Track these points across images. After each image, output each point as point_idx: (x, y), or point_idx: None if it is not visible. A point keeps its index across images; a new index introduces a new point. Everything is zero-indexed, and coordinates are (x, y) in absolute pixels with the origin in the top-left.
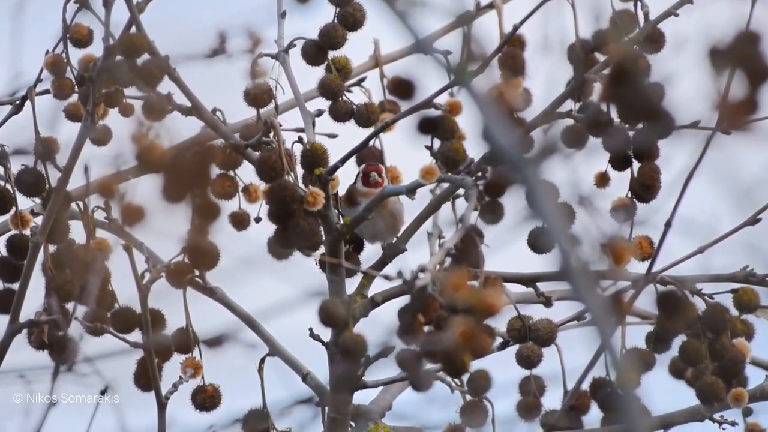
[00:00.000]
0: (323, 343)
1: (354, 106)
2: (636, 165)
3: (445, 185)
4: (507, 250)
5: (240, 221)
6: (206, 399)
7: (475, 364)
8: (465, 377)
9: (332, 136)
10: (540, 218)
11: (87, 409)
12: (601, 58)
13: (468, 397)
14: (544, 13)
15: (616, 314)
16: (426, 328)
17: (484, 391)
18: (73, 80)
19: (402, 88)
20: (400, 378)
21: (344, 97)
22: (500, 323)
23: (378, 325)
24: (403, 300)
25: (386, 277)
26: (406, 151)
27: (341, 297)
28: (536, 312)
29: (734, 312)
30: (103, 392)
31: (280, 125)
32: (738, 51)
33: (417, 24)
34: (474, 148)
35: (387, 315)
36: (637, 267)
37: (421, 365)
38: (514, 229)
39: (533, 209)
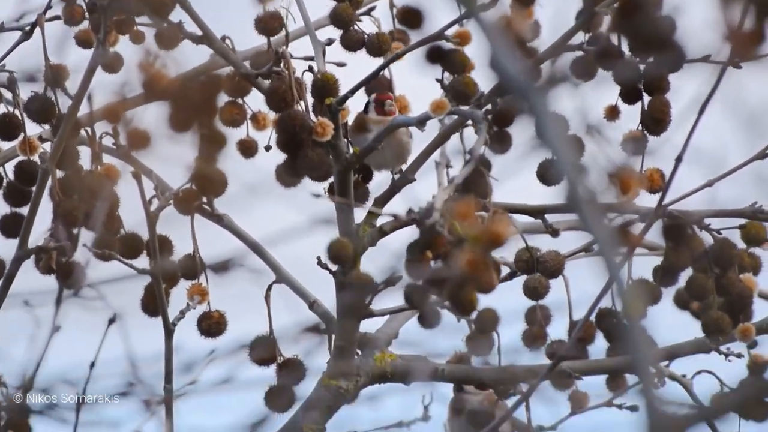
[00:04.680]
0: (331, 271)
1: (365, 36)
2: (646, 98)
3: (454, 116)
4: (514, 180)
5: (248, 149)
6: (212, 325)
7: (483, 300)
8: (473, 314)
9: (341, 64)
10: (548, 149)
11: (94, 335)
12: None
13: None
14: None
15: (624, 245)
16: (434, 264)
17: (491, 330)
18: (84, 7)
19: (411, 17)
20: (407, 307)
21: (355, 27)
22: (508, 254)
23: (386, 254)
24: (412, 230)
25: (395, 217)
26: (414, 82)
27: (350, 225)
28: (543, 243)
29: (742, 245)
30: (111, 320)
31: (291, 55)
32: None
33: None
34: (484, 81)
35: (395, 244)
36: (646, 200)
37: (429, 301)
38: (522, 159)
39: (541, 139)
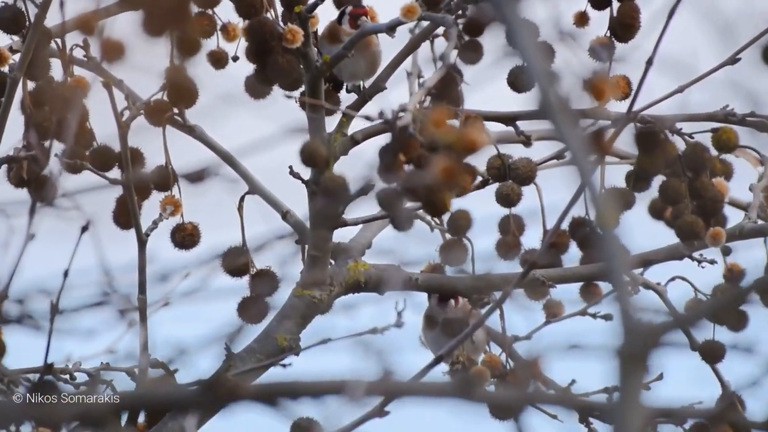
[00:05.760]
0: (303, 180)
1: None
2: (615, 4)
3: (425, 25)
4: (486, 89)
5: (218, 60)
6: (185, 237)
7: (456, 204)
8: (445, 217)
9: None
10: (520, 56)
11: (67, 244)
12: None
13: (447, 236)
14: None
15: (597, 152)
16: (407, 167)
17: (464, 231)
18: None
19: None
20: (381, 216)
21: None
22: (480, 162)
23: (358, 163)
24: (384, 138)
25: (367, 118)
26: None
27: (321, 135)
28: (516, 152)
29: (713, 152)
30: (84, 228)
31: None
32: None
33: None
34: None
35: (367, 153)
36: (616, 106)
37: (401, 204)
38: (494, 67)
39: (513, 47)
